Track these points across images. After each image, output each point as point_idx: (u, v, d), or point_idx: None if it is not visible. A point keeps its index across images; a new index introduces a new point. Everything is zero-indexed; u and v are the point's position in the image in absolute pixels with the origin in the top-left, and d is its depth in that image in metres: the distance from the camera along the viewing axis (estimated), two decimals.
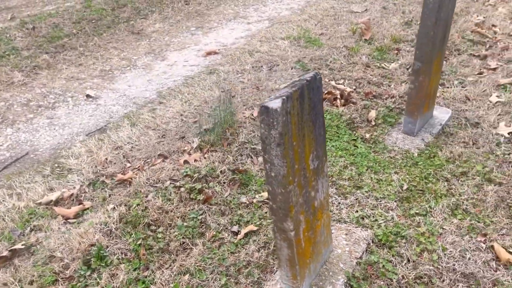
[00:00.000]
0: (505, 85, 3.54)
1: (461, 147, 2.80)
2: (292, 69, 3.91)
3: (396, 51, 4.20)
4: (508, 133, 2.94)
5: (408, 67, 3.89)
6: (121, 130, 3.12)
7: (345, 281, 1.87)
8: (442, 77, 3.68)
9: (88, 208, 2.39)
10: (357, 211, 2.31)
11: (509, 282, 1.92)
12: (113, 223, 2.22)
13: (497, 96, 3.39)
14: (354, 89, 3.52)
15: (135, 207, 2.34)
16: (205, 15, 5.45)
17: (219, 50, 4.46)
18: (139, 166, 2.69)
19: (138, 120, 3.24)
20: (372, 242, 2.10)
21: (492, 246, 2.09)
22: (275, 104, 1.41)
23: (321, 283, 1.86)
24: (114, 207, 2.37)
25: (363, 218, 2.26)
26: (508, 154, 2.73)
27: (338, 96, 3.37)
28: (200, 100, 3.48)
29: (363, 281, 1.91)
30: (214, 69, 4.02)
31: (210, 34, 4.93)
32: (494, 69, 3.86)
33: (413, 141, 2.88)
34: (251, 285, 1.92)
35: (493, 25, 4.74)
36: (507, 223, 2.24)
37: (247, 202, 2.39)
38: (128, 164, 2.75)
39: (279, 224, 1.65)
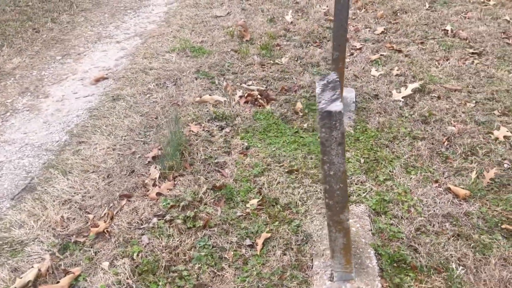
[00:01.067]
0: (376, 60, 4.21)
1: (379, 117, 3.29)
2: (197, 79, 3.92)
3: (277, 47, 4.57)
4: (402, 98, 3.55)
5: (296, 59, 4.28)
6: (54, 182, 2.73)
7: (374, 252, 2.10)
8: None
9: (79, 275, 2.09)
10: None
11: (475, 211, 2.41)
12: (128, 278, 2.00)
13: (376, 70, 4.02)
14: (266, 88, 3.74)
15: (138, 254, 2.14)
16: (65, 41, 4.97)
17: (106, 74, 4.16)
18: (107, 214, 2.43)
19: (67, 166, 2.88)
20: (370, 213, 2.38)
21: (449, 188, 2.57)
22: (337, 107, 1.54)
23: (359, 260, 2.05)
24: (110, 263, 2.13)
25: (348, 196, 2.51)
26: (413, 114, 3.31)
27: (259, 96, 3.55)
28: (124, 129, 3.25)
29: (384, 247, 2.17)
30: (115, 94, 3.76)
31: (83, 60, 4.54)
32: (360, 48, 4.54)
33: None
34: (299, 286, 2.00)
35: None
36: (445, 167, 2.77)
37: (243, 214, 2.41)
38: (91, 215, 2.46)
39: (335, 218, 1.77)
